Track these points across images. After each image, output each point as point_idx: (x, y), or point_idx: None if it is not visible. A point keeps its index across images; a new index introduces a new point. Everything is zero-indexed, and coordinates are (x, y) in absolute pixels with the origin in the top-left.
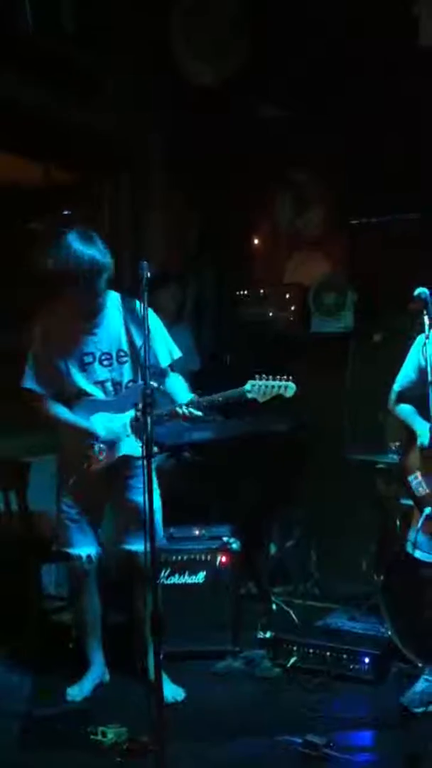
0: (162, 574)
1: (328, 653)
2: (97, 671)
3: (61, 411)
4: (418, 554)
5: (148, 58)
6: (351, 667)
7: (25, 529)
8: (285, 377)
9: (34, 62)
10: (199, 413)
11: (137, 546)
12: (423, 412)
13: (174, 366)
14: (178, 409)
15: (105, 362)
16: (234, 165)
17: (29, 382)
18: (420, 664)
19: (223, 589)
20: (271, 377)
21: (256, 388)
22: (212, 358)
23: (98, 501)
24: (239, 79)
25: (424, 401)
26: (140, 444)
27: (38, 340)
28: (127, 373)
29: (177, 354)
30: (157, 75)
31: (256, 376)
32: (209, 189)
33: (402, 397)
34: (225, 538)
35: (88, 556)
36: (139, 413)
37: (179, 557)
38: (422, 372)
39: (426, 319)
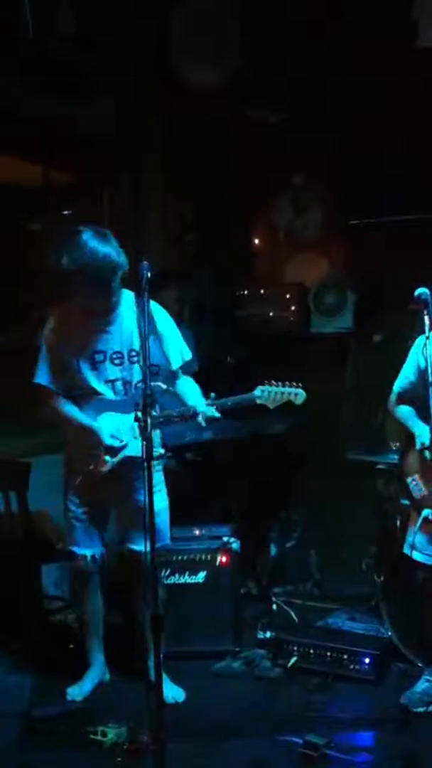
0: (162, 573)
1: (328, 653)
2: (98, 671)
3: (70, 409)
4: (416, 556)
5: (148, 59)
6: (351, 667)
7: (25, 529)
8: (295, 384)
9: (34, 64)
10: (218, 415)
11: (142, 546)
12: (422, 414)
13: (185, 367)
14: (198, 409)
15: (116, 361)
16: (234, 165)
17: (40, 377)
18: (420, 665)
19: (223, 589)
20: (281, 383)
21: (266, 394)
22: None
23: (104, 501)
24: (239, 79)
25: (423, 402)
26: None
27: (50, 335)
28: (137, 373)
29: (188, 355)
30: (157, 76)
31: (266, 381)
32: (209, 189)
33: (402, 399)
34: (225, 538)
35: (93, 556)
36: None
37: (179, 557)
38: (422, 373)
39: (426, 319)
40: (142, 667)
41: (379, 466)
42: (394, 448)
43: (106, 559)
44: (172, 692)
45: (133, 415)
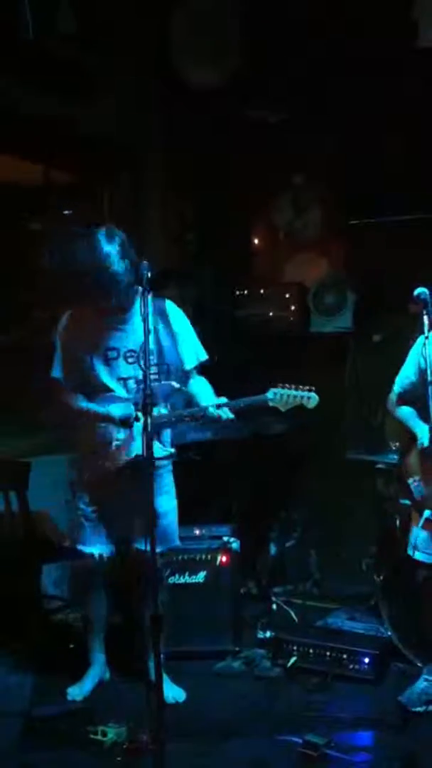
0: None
1: (328, 653)
2: (98, 670)
3: (83, 402)
4: (418, 556)
5: (149, 59)
6: (351, 667)
7: (25, 529)
8: (308, 387)
9: (34, 64)
10: (232, 416)
11: (147, 546)
12: (423, 414)
13: (199, 368)
14: (210, 409)
15: (129, 359)
16: (234, 165)
17: (56, 372)
18: (420, 664)
19: (223, 588)
20: (293, 386)
21: (278, 396)
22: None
23: (114, 501)
24: (239, 79)
25: (424, 402)
26: (159, 445)
27: (64, 332)
28: (151, 371)
29: (203, 356)
30: (157, 76)
31: (279, 384)
32: (209, 189)
33: (402, 399)
34: (225, 538)
35: (100, 555)
36: (158, 413)
37: (179, 557)
38: (422, 373)
39: (426, 319)
40: (143, 667)
41: (379, 466)
42: (394, 447)
43: (112, 559)
44: (173, 692)
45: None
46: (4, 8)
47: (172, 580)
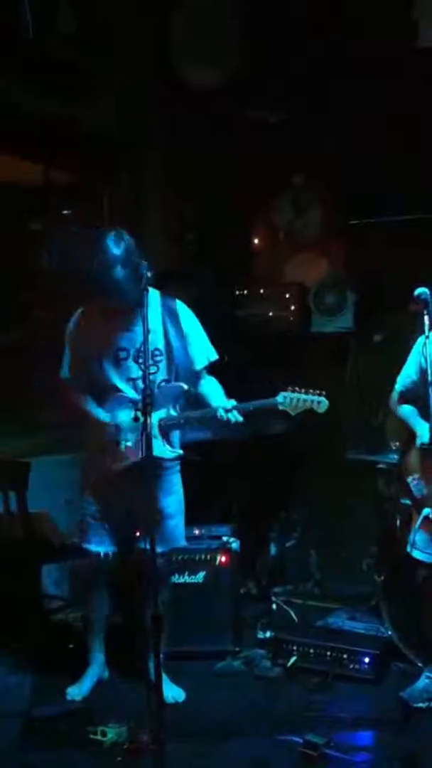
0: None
1: (328, 653)
2: (97, 670)
3: (92, 405)
4: (416, 555)
5: (149, 59)
6: (351, 666)
7: (25, 529)
8: (318, 392)
9: (34, 64)
10: (241, 418)
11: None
12: (424, 412)
13: (209, 368)
14: (219, 412)
15: (139, 360)
16: (234, 165)
17: (65, 372)
18: (420, 664)
19: (223, 588)
20: (303, 390)
21: (288, 400)
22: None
23: (121, 500)
24: (239, 79)
25: (425, 401)
26: (167, 447)
27: (74, 331)
28: (161, 372)
29: (213, 356)
30: (157, 76)
31: (289, 387)
32: (210, 188)
33: (403, 398)
34: (225, 538)
35: (106, 554)
36: (168, 415)
37: (179, 557)
38: (423, 372)
39: (426, 319)
40: (143, 667)
41: (380, 466)
42: (394, 447)
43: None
44: (172, 692)
45: (155, 414)
46: (4, 8)
47: (172, 579)
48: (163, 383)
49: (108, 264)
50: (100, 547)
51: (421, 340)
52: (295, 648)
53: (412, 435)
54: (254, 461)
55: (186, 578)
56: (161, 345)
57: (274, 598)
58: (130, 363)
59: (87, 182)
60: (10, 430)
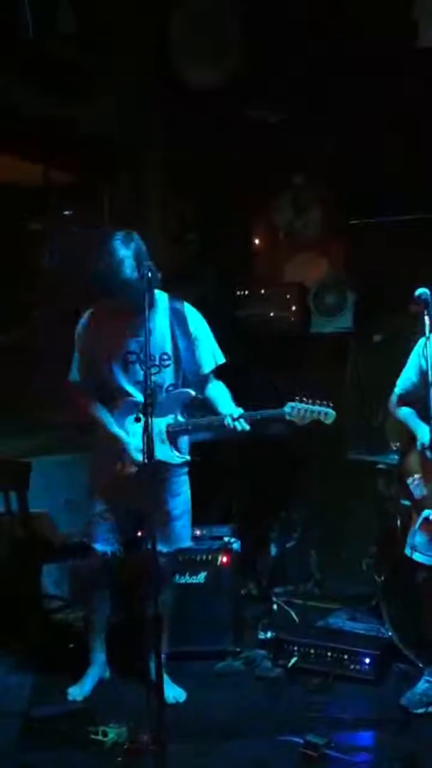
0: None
1: (328, 653)
2: (98, 670)
3: (101, 412)
4: (416, 557)
5: (149, 59)
6: (351, 667)
7: (26, 529)
8: (326, 403)
9: (34, 64)
10: (248, 427)
11: (159, 546)
12: (423, 414)
13: (216, 372)
14: (227, 420)
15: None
16: (234, 165)
17: (74, 375)
18: (420, 665)
19: (223, 589)
20: (311, 401)
21: (296, 411)
22: None
23: (129, 502)
24: (239, 79)
25: (425, 403)
26: (176, 452)
27: (83, 334)
28: (169, 377)
29: (221, 359)
30: (157, 76)
31: (297, 398)
32: (210, 188)
33: (403, 400)
34: (226, 539)
35: (113, 553)
36: (175, 421)
37: (180, 557)
38: (423, 374)
39: (427, 320)
40: (143, 667)
41: (380, 466)
42: (394, 448)
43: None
44: (173, 692)
45: (161, 419)
46: (4, 8)
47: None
48: (171, 388)
49: (116, 265)
50: (107, 546)
51: (421, 341)
52: (295, 648)
53: (412, 436)
54: (254, 462)
55: (187, 578)
56: (169, 349)
57: (274, 599)
58: (138, 367)
59: (87, 182)
60: (11, 430)
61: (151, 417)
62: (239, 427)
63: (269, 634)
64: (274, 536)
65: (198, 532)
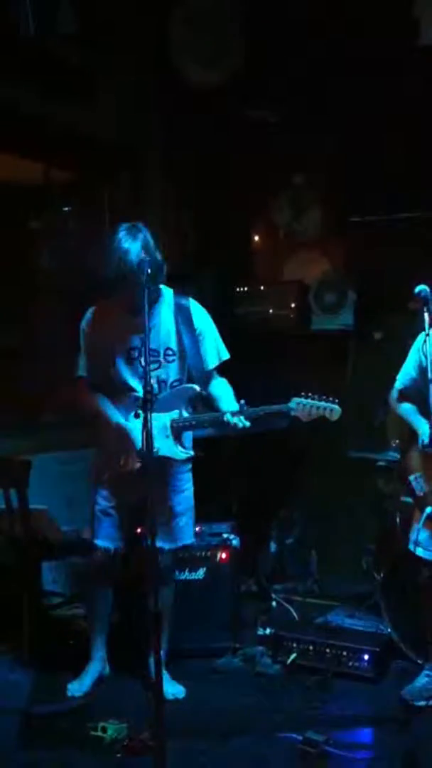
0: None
1: (328, 650)
2: (98, 666)
3: (106, 405)
4: (420, 552)
5: (148, 59)
6: (351, 664)
7: (26, 526)
8: (332, 399)
9: (34, 63)
10: (248, 424)
11: (162, 543)
12: (424, 410)
13: (220, 368)
14: (227, 418)
15: (152, 359)
16: (234, 165)
17: (81, 371)
18: (420, 662)
19: (223, 585)
20: (316, 397)
21: (301, 407)
22: None
23: (132, 499)
24: (239, 79)
25: (425, 399)
26: (180, 448)
27: (88, 329)
28: (173, 372)
29: (225, 355)
30: (157, 76)
31: (302, 393)
32: (209, 188)
33: (403, 396)
34: (225, 535)
35: (115, 550)
36: (180, 416)
37: (180, 553)
38: (423, 370)
39: (426, 316)
40: (143, 664)
41: (380, 464)
42: (394, 445)
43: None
44: (173, 689)
45: (165, 414)
46: (4, 8)
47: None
48: (176, 383)
49: (123, 256)
50: (111, 542)
51: (420, 337)
52: (294, 645)
53: (413, 433)
54: (254, 458)
55: (186, 575)
56: (174, 345)
57: (274, 596)
58: (143, 361)
59: (87, 182)
60: (10, 430)
61: (151, 412)
62: (240, 425)
63: (268, 631)
64: (274, 533)
65: (197, 529)
